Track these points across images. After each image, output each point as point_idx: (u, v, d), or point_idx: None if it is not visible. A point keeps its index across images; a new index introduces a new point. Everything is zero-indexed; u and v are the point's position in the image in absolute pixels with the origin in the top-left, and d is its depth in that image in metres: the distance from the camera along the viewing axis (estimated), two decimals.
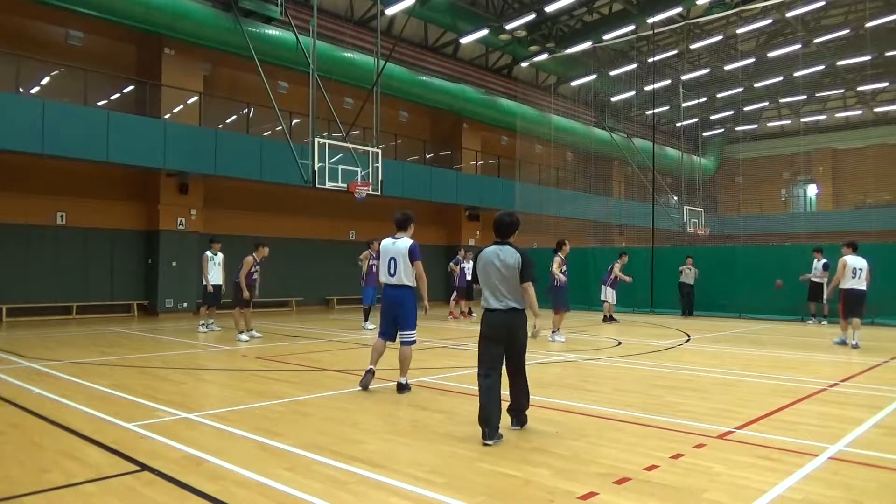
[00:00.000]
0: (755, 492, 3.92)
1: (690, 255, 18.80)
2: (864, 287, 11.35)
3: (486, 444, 4.91)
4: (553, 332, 12.21)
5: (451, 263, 18.41)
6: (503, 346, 5.23)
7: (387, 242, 7.09)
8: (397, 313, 7.01)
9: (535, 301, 5.27)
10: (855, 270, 11.27)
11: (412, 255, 6.86)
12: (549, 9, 22.06)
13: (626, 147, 32.64)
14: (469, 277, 15.22)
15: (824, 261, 15.58)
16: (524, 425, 5.42)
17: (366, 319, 14.62)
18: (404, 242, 6.93)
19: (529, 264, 5.18)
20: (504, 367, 5.33)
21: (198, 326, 13.71)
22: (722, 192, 38.52)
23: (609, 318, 16.72)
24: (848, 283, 11.29)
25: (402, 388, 7.07)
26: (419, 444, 4.99)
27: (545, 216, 25.22)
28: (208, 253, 13.51)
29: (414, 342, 7.12)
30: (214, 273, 13.43)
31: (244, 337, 11.96)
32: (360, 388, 7.12)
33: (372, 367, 7.17)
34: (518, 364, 5.36)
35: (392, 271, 6.93)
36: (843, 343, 11.61)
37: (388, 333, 7.15)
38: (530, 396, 5.45)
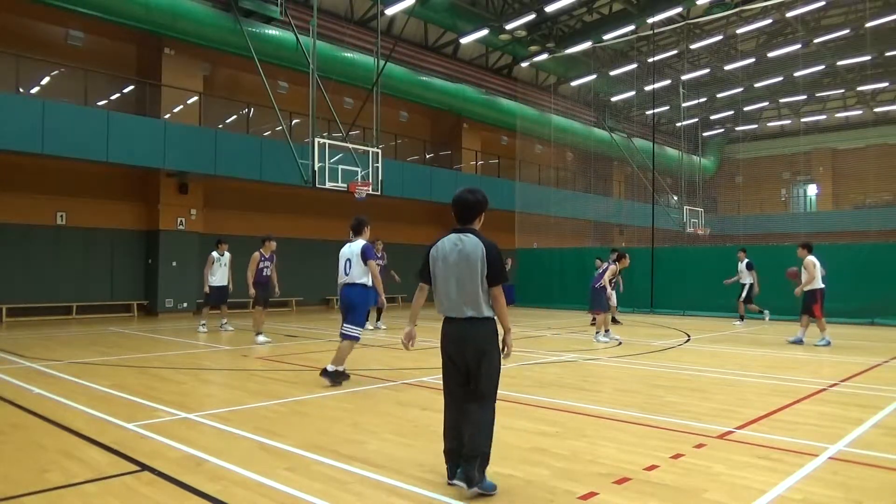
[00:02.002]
0: (755, 492, 3.92)
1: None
2: None
3: (450, 484, 3.90)
4: (598, 332, 12.35)
5: None
6: (463, 366, 3.98)
7: (344, 247, 7.70)
8: (348, 310, 7.58)
9: (505, 311, 4.04)
10: (821, 270, 11.69)
11: (364, 255, 7.49)
12: (549, 9, 22.06)
13: (626, 147, 32.64)
14: None
15: (747, 261, 15.87)
16: (476, 484, 3.74)
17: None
18: (357, 245, 7.58)
19: (498, 260, 3.98)
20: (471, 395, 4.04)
21: (198, 326, 13.70)
22: (722, 192, 38.52)
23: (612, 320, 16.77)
24: (819, 283, 11.57)
25: (328, 374, 7.37)
26: (419, 444, 4.98)
27: (545, 216, 25.23)
28: (214, 253, 13.51)
29: (356, 338, 7.56)
30: (220, 273, 13.46)
31: (260, 339, 11.48)
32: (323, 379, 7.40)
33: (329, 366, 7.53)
34: (478, 393, 3.95)
35: (346, 271, 7.57)
36: (799, 342, 11.70)
37: None
38: (490, 441, 3.89)
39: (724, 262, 19.01)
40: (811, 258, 11.56)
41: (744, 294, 15.85)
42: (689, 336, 13.38)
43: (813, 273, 11.46)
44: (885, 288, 15.59)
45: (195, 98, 18.67)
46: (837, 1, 25.05)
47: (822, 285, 11.56)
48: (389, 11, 19.83)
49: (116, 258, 17.86)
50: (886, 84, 32.86)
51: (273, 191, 19.95)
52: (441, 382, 4.14)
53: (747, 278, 15.79)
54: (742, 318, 16.24)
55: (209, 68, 19.69)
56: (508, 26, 22.89)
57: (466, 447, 3.82)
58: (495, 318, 4.02)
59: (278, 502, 3.74)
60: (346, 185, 17.18)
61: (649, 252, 20.64)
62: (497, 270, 3.97)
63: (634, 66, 28.50)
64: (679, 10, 23.34)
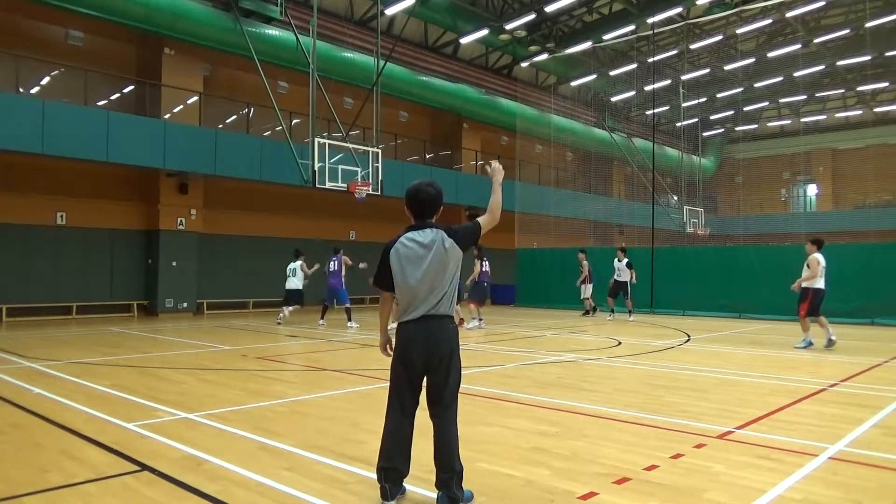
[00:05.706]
0: (755, 492, 3.92)
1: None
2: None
3: None
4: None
5: None
6: (421, 372, 3.71)
7: None
8: None
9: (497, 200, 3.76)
10: (824, 270, 10.90)
11: None
12: (549, 9, 22.08)
13: (626, 147, 32.63)
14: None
15: (626, 260, 17.21)
16: (460, 501, 3.62)
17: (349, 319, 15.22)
18: None
19: (460, 228, 3.71)
20: (429, 407, 3.76)
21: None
22: (722, 192, 38.52)
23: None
24: (819, 283, 10.87)
25: None
26: (419, 444, 4.96)
27: (545, 216, 25.24)
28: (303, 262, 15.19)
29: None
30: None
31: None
32: None
33: None
34: (444, 401, 3.68)
35: None
36: (810, 345, 11.09)
37: None
38: (460, 457, 3.70)
39: (724, 261, 19.09)
40: (816, 255, 10.91)
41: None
42: (689, 336, 13.38)
43: (816, 271, 10.80)
44: (885, 288, 15.60)
45: (195, 98, 18.67)
46: (837, 1, 25.05)
47: (819, 285, 10.85)
48: (389, 11, 19.84)
49: (116, 258, 17.86)
50: (886, 84, 32.85)
51: (273, 191, 19.94)
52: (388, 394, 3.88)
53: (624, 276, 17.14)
54: (631, 311, 17.39)
55: (209, 68, 19.69)
56: (508, 26, 22.89)
57: (443, 472, 3.62)
58: (454, 317, 3.75)
59: (278, 502, 3.74)
60: (346, 185, 17.19)
61: (649, 252, 20.63)
62: (463, 235, 3.66)
63: (634, 66, 28.50)
64: (679, 10, 23.35)
